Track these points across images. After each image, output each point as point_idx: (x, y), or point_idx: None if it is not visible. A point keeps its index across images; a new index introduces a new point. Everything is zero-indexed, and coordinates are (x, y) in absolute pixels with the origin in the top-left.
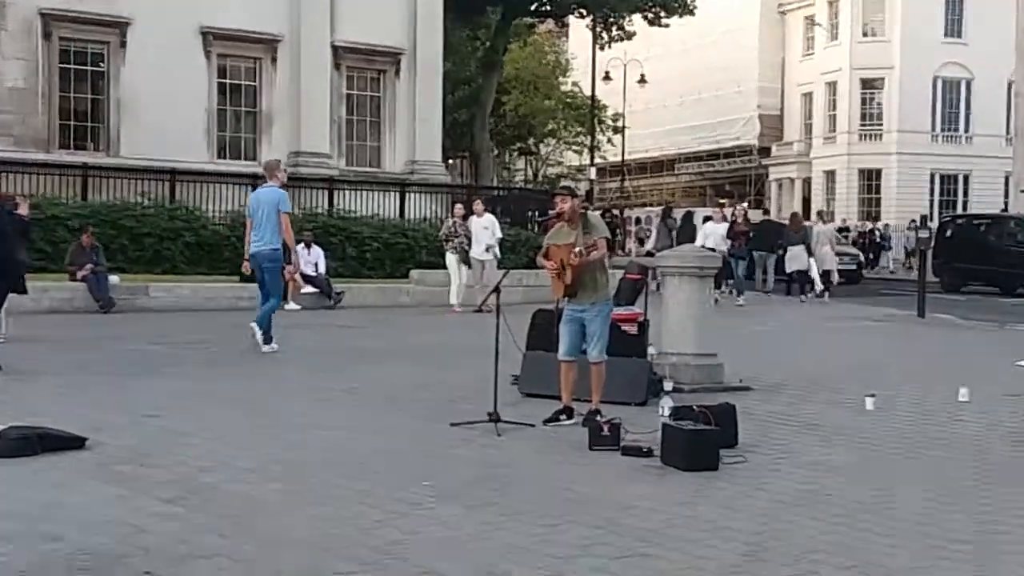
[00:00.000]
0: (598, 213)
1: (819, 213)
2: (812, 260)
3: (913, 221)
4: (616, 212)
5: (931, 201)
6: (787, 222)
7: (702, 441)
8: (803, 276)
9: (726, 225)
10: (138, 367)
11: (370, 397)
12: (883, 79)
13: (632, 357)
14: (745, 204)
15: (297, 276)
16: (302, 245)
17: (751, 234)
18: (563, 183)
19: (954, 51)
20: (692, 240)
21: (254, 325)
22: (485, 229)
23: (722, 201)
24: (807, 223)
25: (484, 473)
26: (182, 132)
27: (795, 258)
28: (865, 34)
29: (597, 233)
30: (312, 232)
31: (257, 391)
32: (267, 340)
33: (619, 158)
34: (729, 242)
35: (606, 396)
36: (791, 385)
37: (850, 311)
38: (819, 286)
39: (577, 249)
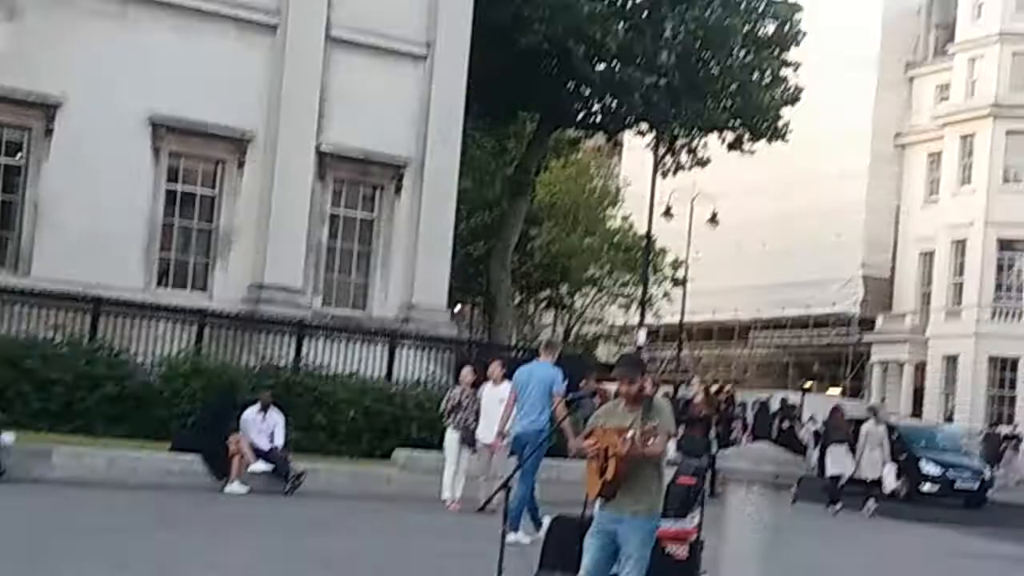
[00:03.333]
0: (697, 390)
1: (871, 409)
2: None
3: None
4: (725, 393)
5: None
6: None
7: None
8: (835, 483)
9: (506, 389)
10: (22, 565)
11: None
12: None
13: None
14: (696, 379)
15: (246, 448)
16: (257, 407)
17: (715, 420)
18: (624, 353)
19: None
20: (767, 435)
21: (516, 536)
22: (500, 402)
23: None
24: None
25: None
26: (114, 249)
27: (837, 460)
28: (1007, 180)
29: (661, 423)
30: (271, 390)
31: None
32: (514, 528)
33: (677, 319)
34: (680, 430)
35: None
36: None
37: (968, 545)
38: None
39: (630, 434)
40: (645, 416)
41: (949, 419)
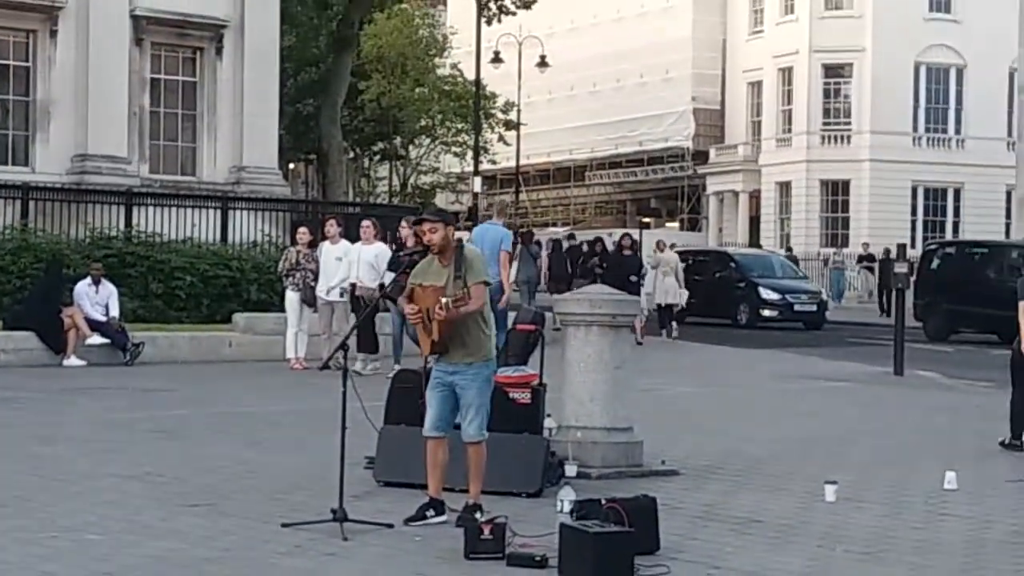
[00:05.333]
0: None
1: (658, 243)
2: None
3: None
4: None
5: (913, 222)
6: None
7: (611, 547)
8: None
9: (378, 249)
10: None
11: (171, 487)
12: (851, 65)
13: (524, 433)
14: (405, 221)
15: (80, 321)
16: (88, 281)
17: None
18: (430, 207)
19: (942, 30)
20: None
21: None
22: (338, 260)
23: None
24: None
25: None
26: None
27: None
28: (829, 7)
29: (474, 277)
30: (101, 263)
31: (9, 479)
32: None
33: (513, 163)
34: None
35: (488, 485)
36: (728, 468)
37: (806, 367)
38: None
39: (444, 300)
40: (458, 270)
41: (757, 245)
